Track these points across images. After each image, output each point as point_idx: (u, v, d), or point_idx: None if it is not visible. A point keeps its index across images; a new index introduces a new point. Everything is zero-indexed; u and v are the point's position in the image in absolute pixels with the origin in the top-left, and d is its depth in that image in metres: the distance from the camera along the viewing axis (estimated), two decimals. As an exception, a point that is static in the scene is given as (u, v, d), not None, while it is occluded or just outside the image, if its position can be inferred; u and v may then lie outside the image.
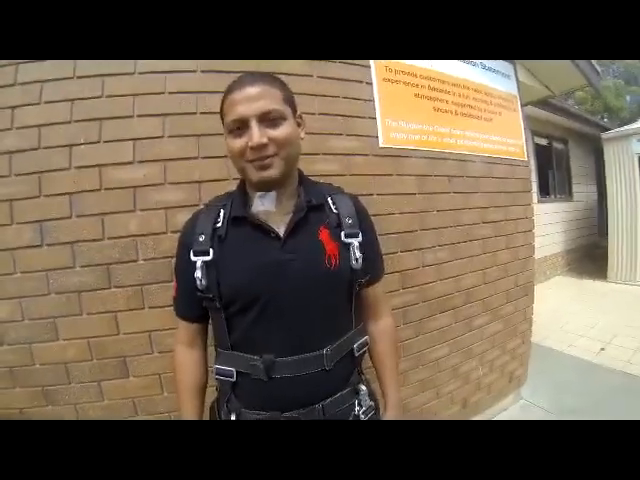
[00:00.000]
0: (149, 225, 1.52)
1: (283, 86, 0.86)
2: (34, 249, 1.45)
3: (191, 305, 0.94)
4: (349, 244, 0.90)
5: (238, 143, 0.80)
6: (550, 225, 6.71)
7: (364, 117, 1.85)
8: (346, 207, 0.95)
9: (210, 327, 1.00)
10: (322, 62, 1.74)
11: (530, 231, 2.74)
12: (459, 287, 2.22)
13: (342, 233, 0.90)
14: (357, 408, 0.93)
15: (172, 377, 1.03)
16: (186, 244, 0.90)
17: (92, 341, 1.50)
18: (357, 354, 0.96)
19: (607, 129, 7.16)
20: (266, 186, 0.85)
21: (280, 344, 0.84)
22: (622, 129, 6.52)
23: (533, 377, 2.87)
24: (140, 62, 1.49)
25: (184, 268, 0.89)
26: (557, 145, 7.36)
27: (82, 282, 1.48)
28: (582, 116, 7.25)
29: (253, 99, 0.78)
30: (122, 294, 1.51)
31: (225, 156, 1.53)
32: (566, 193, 7.61)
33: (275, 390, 0.85)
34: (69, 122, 1.46)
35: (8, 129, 1.43)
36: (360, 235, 0.93)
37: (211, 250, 0.86)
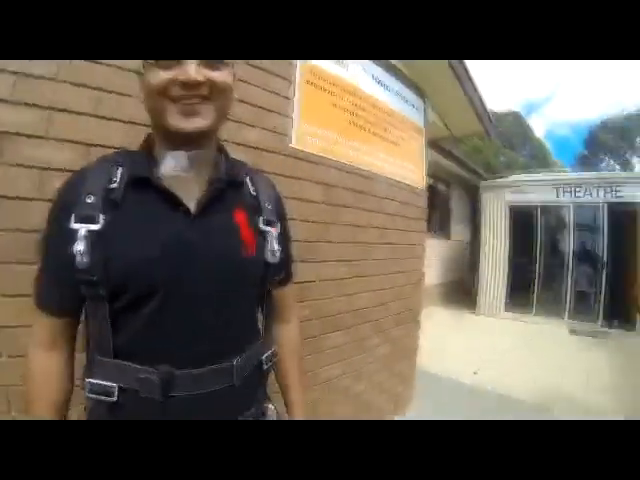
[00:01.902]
0: (14, 185, 1.16)
1: None
2: None
3: (60, 292, 0.69)
4: (266, 233, 0.77)
5: (162, 75, 0.62)
6: (428, 259, 7.34)
7: (280, 113, 1.74)
8: (266, 190, 0.83)
9: (80, 327, 0.74)
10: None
11: (421, 258, 2.87)
12: (354, 306, 2.17)
13: (260, 219, 0.77)
14: None
15: (23, 390, 0.73)
16: (65, 206, 0.66)
17: None
18: (265, 367, 0.81)
19: (485, 178, 8.20)
20: (188, 138, 0.66)
21: (182, 352, 0.66)
22: (498, 180, 7.63)
23: (416, 399, 2.97)
24: None
25: (57, 238, 0.66)
26: (441, 186, 8.20)
27: None
28: (466, 163, 8.15)
29: None
30: None
31: (129, 122, 1.30)
32: (445, 232, 8.48)
33: (171, 413, 0.65)
34: None
35: None
36: (278, 225, 0.81)
37: (101, 217, 0.63)
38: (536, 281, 6.89)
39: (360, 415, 2.32)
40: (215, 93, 0.65)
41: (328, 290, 1.99)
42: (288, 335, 0.95)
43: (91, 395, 0.67)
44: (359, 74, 2.27)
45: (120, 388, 0.66)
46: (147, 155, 0.72)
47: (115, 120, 1.30)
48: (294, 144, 1.79)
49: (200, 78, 0.62)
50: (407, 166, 2.70)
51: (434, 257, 7.50)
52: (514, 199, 6.99)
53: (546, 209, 6.92)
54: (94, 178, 0.67)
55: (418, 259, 2.81)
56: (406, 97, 2.78)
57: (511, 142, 23.81)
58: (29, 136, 1.17)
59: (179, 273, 0.65)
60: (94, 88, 1.27)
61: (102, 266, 0.62)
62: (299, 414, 0.93)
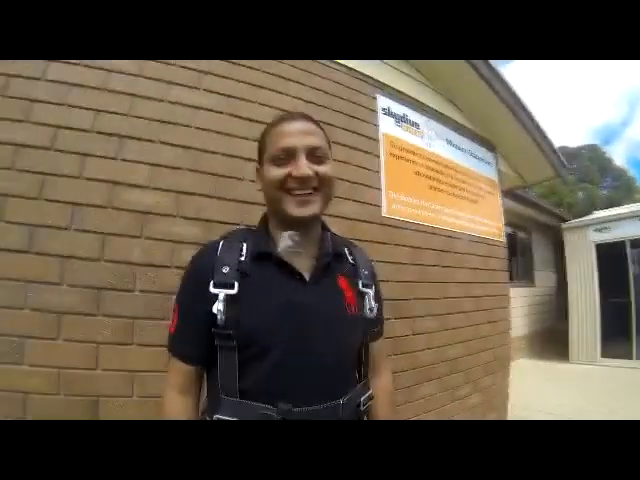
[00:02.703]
0: (152, 255, 1.41)
1: (324, 130, 0.86)
2: (18, 254, 1.27)
3: (195, 343, 0.81)
4: (365, 294, 0.89)
5: (280, 172, 0.77)
6: (513, 309, 6.94)
7: (370, 186, 1.99)
8: (362, 259, 0.96)
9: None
10: (335, 128, 1.88)
11: (506, 307, 2.88)
12: (444, 357, 2.27)
13: (359, 282, 0.89)
14: None
15: None
16: (202, 274, 0.79)
17: (63, 372, 1.28)
18: (363, 408, 0.89)
19: (565, 220, 7.78)
20: (302, 223, 0.81)
21: (298, 392, 0.76)
22: (580, 219, 7.16)
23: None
24: (173, 91, 1.51)
25: (195, 299, 0.79)
26: (521, 234, 7.87)
27: (66, 303, 1.29)
28: (544, 207, 7.82)
29: (304, 133, 0.78)
30: (109, 324, 1.34)
31: (241, 201, 1.57)
32: (528, 279, 7.99)
33: None
34: (89, 131, 1.39)
35: (22, 121, 1.33)
36: (373, 287, 0.92)
37: (236, 284, 0.76)
38: (634, 322, 6.14)
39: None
40: (322, 184, 0.78)
41: (420, 343, 2.12)
42: (381, 386, 1.02)
43: None
44: (433, 140, 2.48)
45: None
46: (265, 232, 0.86)
47: (230, 200, 1.56)
48: (385, 213, 2.02)
49: (310, 173, 0.75)
50: (485, 221, 2.80)
51: (520, 306, 7.11)
52: (599, 237, 6.47)
53: (636, 243, 6.30)
54: (226, 252, 0.81)
55: (503, 309, 2.84)
56: (477, 154, 2.92)
57: (589, 176, 22.21)
58: (163, 215, 1.44)
59: (298, 330, 0.76)
60: (212, 174, 1.55)
61: (235, 323, 0.74)
62: None
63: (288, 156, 0.77)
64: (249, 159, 1.60)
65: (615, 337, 6.27)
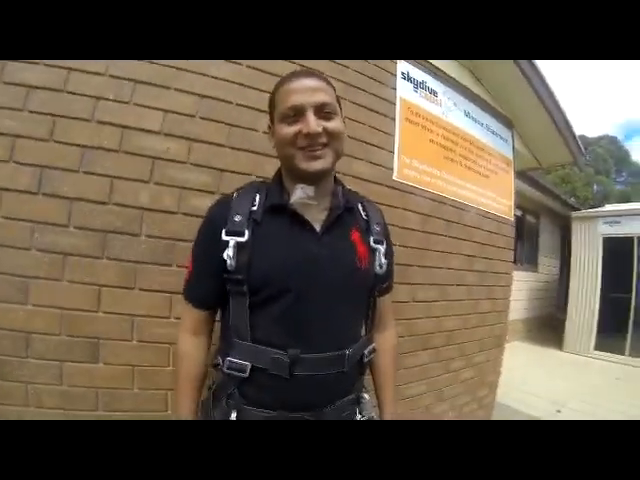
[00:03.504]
0: (161, 201, 1.41)
1: (333, 86, 0.88)
2: (27, 195, 1.27)
3: (207, 289, 0.89)
4: (376, 249, 0.93)
5: (291, 129, 0.80)
6: (514, 292, 6.97)
7: (383, 148, 1.96)
8: (375, 215, 0.99)
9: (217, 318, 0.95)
10: (354, 89, 1.84)
11: (508, 286, 2.90)
12: (441, 328, 2.28)
13: (371, 238, 0.93)
14: (358, 416, 0.93)
15: (174, 366, 0.96)
16: (216, 222, 0.85)
17: (65, 313, 1.31)
18: (365, 360, 0.96)
19: (576, 209, 7.72)
20: (313, 177, 0.84)
21: (307, 339, 0.81)
22: (591, 210, 7.12)
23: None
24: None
25: (209, 247, 0.85)
26: (529, 218, 7.84)
27: (72, 245, 1.31)
28: (555, 193, 7.75)
29: (311, 90, 0.80)
30: (114, 268, 1.35)
31: (254, 152, 1.56)
32: (532, 264, 8.02)
33: (292, 389, 0.81)
34: (102, 74, 1.36)
35: (35, 63, 1.30)
36: (384, 243, 0.96)
37: (246, 232, 0.82)
38: (631, 319, 6.22)
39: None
40: (331, 139, 0.81)
41: (420, 311, 2.13)
42: (386, 340, 1.08)
43: (229, 370, 0.84)
44: (451, 110, 2.43)
45: (252, 366, 0.82)
46: (279, 185, 0.90)
47: (243, 150, 1.55)
48: (396, 177, 2.00)
49: (319, 129, 0.78)
50: (496, 197, 2.77)
51: (521, 290, 7.16)
52: (609, 230, 6.43)
53: None
54: (240, 202, 0.86)
55: (505, 287, 2.84)
56: (494, 129, 2.86)
57: (605, 168, 21.80)
58: (173, 161, 1.44)
59: (308, 278, 0.81)
60: (227, 124, 1.53)
61: (246, 269, 0.80)
62: (389, 410, 1.06)
63: (297, 113, 0.80)
64: (264, 111, 1.56)
65: (611, 332, 6.36)
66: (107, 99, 1.36)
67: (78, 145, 1.32)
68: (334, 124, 0.82)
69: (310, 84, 0.81)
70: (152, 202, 1.40)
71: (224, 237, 0.81)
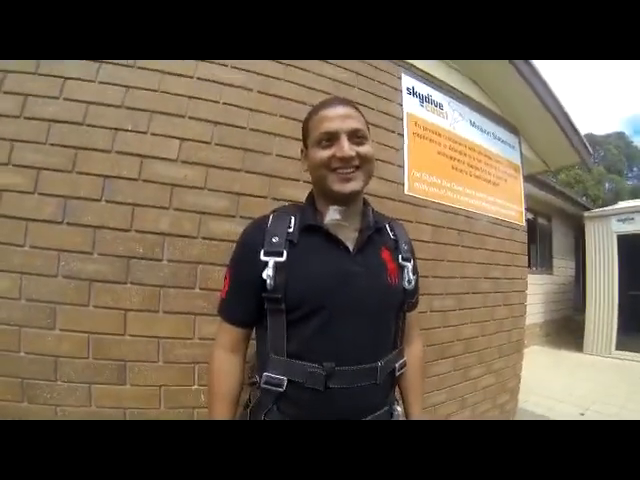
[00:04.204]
0: (181, 226, 1.47)
1: (362, 113, 0.92)
2: (52, 225, 1.34)
3: (245, 308, 0.91)
4: (404, 267, 0.96)
5: (325, 153, 0.84)
6: (530, 296, 6.87)
7: (393, 164, 2.01)
8: (402, 235, 1.03)
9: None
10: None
11: (524, 291, 2.91)
12: (459, 336, 2.31)
13: (399, 256, 0.97)
14: None
15: (208, 384, 0.95)
16: (254, 243, 0.88)
17: (93, 337, 1.36)
18: (397, 374, 0.97)
19: (588, 209, 7.61)
20: (346, 198, 0.88)
21: (341, 353, 0.83)
22: (604, 209, 6.99)
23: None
24: (200, 67, 1.54)
25: (247, 267, 0.87)
26: (541, 220, 7.77)
27: (97, 271, 1.37)
28: (567, 194, 7.67)
29: (344, 117, 0.85)
30: (137, 292, 1.41)
31: (267, 175, 1.61)
32: (547, 267, 7.92)
33: (327, 401, 0.83)
34: (120, 106, 1.44)
35: (55, 97, 1.38)
36: (411, 260, 1.00)
37: (284, 252, 0.85)
38: None
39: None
40: (363, 163, 0.86)
41: (437, 321, 2.16)
42: (413, 353, 1.10)
43: (267, 386, 0.86)
44: (457, 121, 2.47)
45: (289, 381, 0.84)
46: (313, 207, 0.94)
47: (257, 174, 1.60)
48: (408, 191, 2.04)
49: (353, 153, 0.83)
50: (506, 204, 2.79)
51: (537, 294, 7.04)
52: (622, 228, 6.28)
53: None
54: (276, 224, 0.89)
55: (520, 293, 2.86)
56: (501, 137, 2.89)
57: (616, 166, 21.51)
58: (191, 187, 1.50)
59: (342, 296, 0.84)
60: (239, 148, 1.59)
61: (284, 287, 0.83)
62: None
63: (331, 139, 0.84)
64: (276, 134, 1.64)
65: (632, 330, 6.16)
66: (125, 130, 1.44)
67: (99, 175, 1.40)
68: (366, 149, 0.86)
69: (343, 111, 0.86)
70: (172, 227, 1.47)
71: (263, 257, 0.84)
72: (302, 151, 0.97)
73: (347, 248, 0.89)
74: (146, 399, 1.42)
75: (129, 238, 1.41)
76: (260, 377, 0.88)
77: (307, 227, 0.90)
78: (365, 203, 0.99)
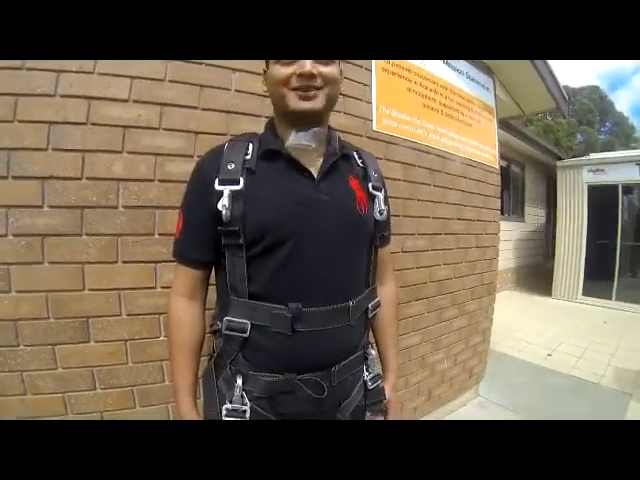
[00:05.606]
0: (136, 170, 1.36)
1: None
2: None
3: (201, 245, 0.83)
4: (375, 196, 0.90)
5: (285, 70, 0.76)
6: (502, 242, 7.09)
7: (361, 100, 1.90)
8: (371, 163, 0.96)
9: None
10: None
11: (497, 234, 2.92)
12: (432, 277, 2.30)
13: (369, 185, 0.90)
14: (365, 374, 0.91)
15: (167, 334, 0.90)
16: (208, 172, 0.80)
17: (51, 296, 1.28)
18: (370, 315, 0.93)
19: (560, 158, 7.74)
20: (305, 117, 0.79)
21: (308, 292, 0.77)
22: (576, 159, 7.16)
23: (488, 377, 3.02)
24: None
25: (201, 199, 0.80)
26: (515, 168, 7.86)
27: (48, 225, 1.27)
28: (540, 143, 7.74)
29: None
30: (94, 243, 1.31)
31: (226, 111, 1.50)
32: (519, 214, 8.13)
33: (297, 346, 0.77)
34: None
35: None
36: (383, 191, 0.93)
37: (241, 179, 0.77)
38: (617, 265, 6.39)
39: (435, 384, 2.45)
40: (326, 84, 0.77)
41: (409, 261, 2.14)
42: (386, 293, 1.05)
43: (228, 331, 0.79)
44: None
45: (253, 325, 0.78)
46: (273, 131, 0.86)
47: (215, 110, 1.48)
48: (376, 127, 1.95)
49: (314, 71, 0.74)
50: (479, 145, 2.74)
51: (508, 240, 7.27)
52: (593, 179, 6.48)
53: (628, 188, 6.39)
54: (232, 151, 0.81)
55: (493, 235, 2.87)
56: (476, 77, 2.79)
57: (588, 118, 21.78)
58: (145, 128, 1.38)
59: (306, 225, 0.77)
60: (195, 84, 1.45)
61: (242, 219, 0.75)
62: (392, 366, 1.06)
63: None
64: (235, 69, 1.51)
65: (598, 278, 6.56)
66: (69, 71, 1.28)
67: (43, 122, 1.26)
68: (330, 69, 0.78)
69: None
70: (126, 171, 1.36)
71: (217, 187, 0.76)
72: (264, 71, 0.86)
73: (311, 174, 0.81)
74: (113, 355, 1.37)
75: (81, 186, 1.29)
76: (222, 322, 0.81)
77: (266, 152, 0.82)
78: (330, 129, 0.91)
